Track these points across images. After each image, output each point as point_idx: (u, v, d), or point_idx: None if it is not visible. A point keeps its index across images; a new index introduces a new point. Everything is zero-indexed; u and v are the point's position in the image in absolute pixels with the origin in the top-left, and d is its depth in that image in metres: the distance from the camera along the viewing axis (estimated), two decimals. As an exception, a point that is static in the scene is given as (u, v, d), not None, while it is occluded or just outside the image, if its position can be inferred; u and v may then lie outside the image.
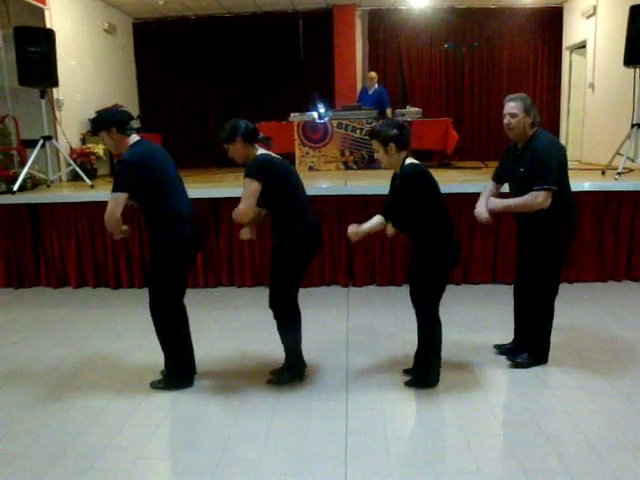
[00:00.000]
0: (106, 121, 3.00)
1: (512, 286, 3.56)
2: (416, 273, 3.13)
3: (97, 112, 3.05)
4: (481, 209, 3.32)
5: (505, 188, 3.46)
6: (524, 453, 2.49)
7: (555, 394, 3.05)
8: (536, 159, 3.05)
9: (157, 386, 3.23)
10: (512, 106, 3.10)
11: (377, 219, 3.09)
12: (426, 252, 3.04)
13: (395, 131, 2.97)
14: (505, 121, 3.15)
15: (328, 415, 2.88)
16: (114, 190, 2.89)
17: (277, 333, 3.21)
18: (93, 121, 3.00)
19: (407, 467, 2.43)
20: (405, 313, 3.68)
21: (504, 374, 3.32)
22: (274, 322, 3.17)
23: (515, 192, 3.24)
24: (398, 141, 2.96)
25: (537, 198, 3.03)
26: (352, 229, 3.09)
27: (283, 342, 3.21)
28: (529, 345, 3.41)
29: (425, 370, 3.17)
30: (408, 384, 3.18)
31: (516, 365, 3.36)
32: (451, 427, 2.75)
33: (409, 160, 3.00)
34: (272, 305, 3.16)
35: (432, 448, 2.56)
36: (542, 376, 3.27)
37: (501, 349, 3.58)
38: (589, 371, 3.33)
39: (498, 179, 3.47)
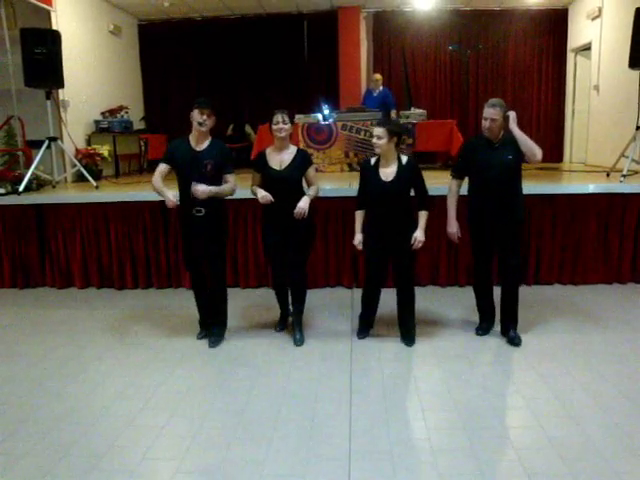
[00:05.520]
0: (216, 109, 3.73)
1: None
2: (406, 245, 3.62)
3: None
4: (454, 229, 3.84)
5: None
6: (528, 455, 2.49)
7: (559, 397, 3.04)
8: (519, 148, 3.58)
9: (219, 342, 3.85)
10: (493, 112, 3.50)
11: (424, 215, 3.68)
12: (411, 226, 3.62)
13: (400, 130, 3.66)
14: (487, 125, 3.54)
15: (332, 416, 2.88)
16: (232, 171, 3.78)
17: (279, 332, 4.07)
18: (211, 101, 3.75)
19: (410, 468, 2.43)
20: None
21: (508, 377, 3.33)
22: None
23: (499, 178, 3.58)
24: (399, 137, 3.57)
25: (538, 156, 3.52)
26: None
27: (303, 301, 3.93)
28: (512, 320, 3.81)
29: (414, 329, 3.83)
30: (407, 344, 3.77)
31: (516, 344, 3.74)
32: (454, 428, 2.75)
33: (404, 156, 3.65)
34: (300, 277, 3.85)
35: (436, 449, 2.56)
36: (546, 379, 3.26)
37: (481, 331, 4.00)
38: (594, 374, 3.32)
39: (462, 175, 3.81)
